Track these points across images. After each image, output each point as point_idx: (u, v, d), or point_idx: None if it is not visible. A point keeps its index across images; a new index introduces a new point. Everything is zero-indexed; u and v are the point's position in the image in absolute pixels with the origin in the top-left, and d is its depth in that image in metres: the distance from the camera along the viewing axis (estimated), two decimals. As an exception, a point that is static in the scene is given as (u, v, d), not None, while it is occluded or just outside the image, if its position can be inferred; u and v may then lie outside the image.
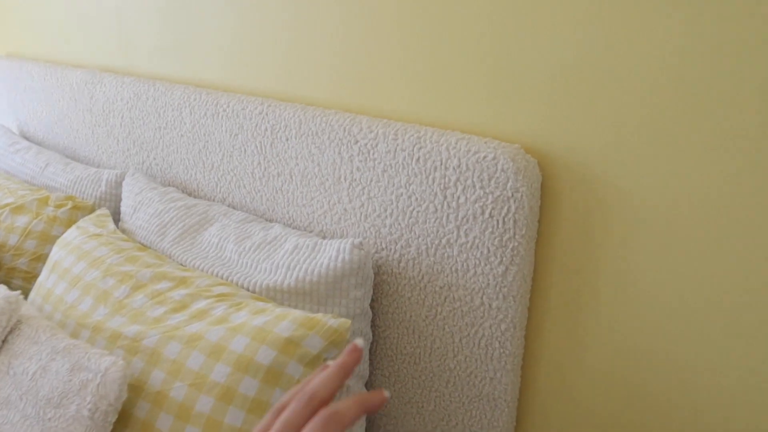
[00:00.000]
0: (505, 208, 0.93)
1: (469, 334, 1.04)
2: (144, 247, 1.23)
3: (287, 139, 1.19)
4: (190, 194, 1.44)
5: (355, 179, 1.10)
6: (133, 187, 1.42)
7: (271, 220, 1.28)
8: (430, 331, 1.08)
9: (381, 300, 1.13)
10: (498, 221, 0.94)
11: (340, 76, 1.15)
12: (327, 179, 1.14)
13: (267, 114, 1.22)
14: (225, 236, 1.20)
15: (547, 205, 0.96)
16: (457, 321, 1.05)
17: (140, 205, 1.35)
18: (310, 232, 1.20)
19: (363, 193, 1.10)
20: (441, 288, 1.04)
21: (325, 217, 1.17)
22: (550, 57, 0.88)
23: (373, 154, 1.06)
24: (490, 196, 0.93)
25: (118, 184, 1.52)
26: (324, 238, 1.18)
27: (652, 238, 0.86)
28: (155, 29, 1.52)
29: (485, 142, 0.94)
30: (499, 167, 0.91)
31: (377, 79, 1.10)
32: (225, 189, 1.36)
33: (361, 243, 1.04)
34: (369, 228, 1.10)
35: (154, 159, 1.51)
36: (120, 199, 1.52)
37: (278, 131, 1.20)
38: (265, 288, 1.07)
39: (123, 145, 1.59)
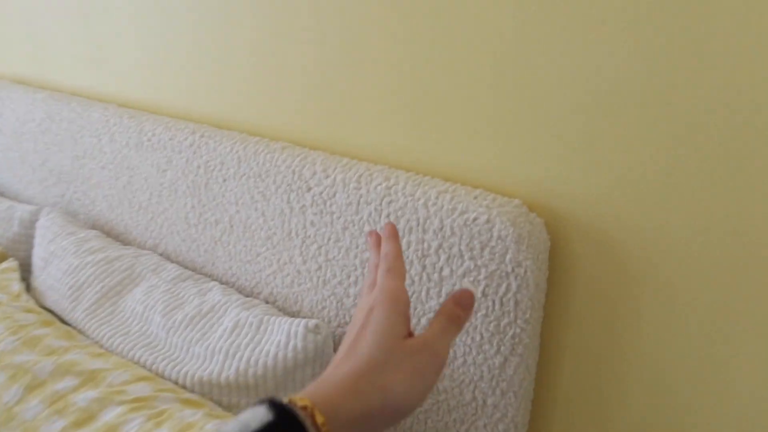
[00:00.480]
0: (504, 285, 0.70)
1: (458, 431, 0.82)
2: (50, 321, 0.98)
3: (224, 180, 0.95)
4: (117, 238, 1.19)
5: (309, 236, 0.86)
6: (46, 232, 1.16)
7: (210, 276, 1.04)
8: (409, 424, 0.86)
9: (348, 382, 0.90)
10: (494, 302, 0.71)
11: (292, 99, 0.91)
12: (274, 233, 0.91)
13: (199, 147, 0.97)
14: (151, 304, 0.96)
15: (556, 277, 0.73)
16: (442, 416, 0.82)
17: (52, 257, 1.10)
18: (258, 294, 0.97)
19: (319, 254, 0.86)
20: (422, 376, 0.82)
21: (274, 278, 0.94)
22: (562, 87, 0.65)
23: (330, 205, 0.82)
24: (483, 270, 0.70)
25: (33, 223, 1.27)
26: (274, 303, 0.95)
27: (689, 316, 0.64)
28: (69, 34, 1.25)
29: (476, 198, 0.71)
30: (495, 233, 0.68)
31: (338, 104, 0.86)
32: (156, 234, 1.11)
33: (317, 326, 0.81)
34: (329, 296, 0.87)
35: (74, 193, 1.25)
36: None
37: (213, 169, 0.95)
38: (197, 381, 0.84)
39: (39, 174, 1.33)
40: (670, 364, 0.68)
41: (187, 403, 0.79)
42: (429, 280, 0.75)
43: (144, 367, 0.89)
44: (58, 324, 0.98)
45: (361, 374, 0.43)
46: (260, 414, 0.38)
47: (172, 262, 1.09)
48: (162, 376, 0.87)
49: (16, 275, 1.12)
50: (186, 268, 1.08)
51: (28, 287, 1.13)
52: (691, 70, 0.57)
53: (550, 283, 0.73)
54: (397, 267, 0.52)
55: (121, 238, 1.19)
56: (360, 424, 0.41)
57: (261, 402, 0.39)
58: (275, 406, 0.38)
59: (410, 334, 0.48)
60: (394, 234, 0.57)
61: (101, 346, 0.94)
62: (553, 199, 0.70)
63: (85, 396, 0.80)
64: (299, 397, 0.40)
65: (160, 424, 0.75)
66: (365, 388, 0.42)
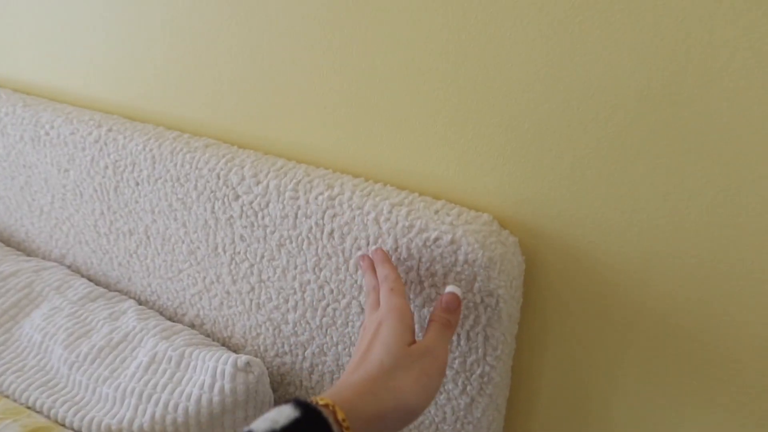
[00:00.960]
0: (471, 318, 0.58)
1: (417, 477, 0.70)
2: (-77, 354, 0.81)
3: (137, 184, 0.79)
4: (18, 247, 1.02)
5: (239, 252, 0.72)
6: (-72, 241, 0.98)
7: (127, 293, 0.89)
8: (361, 466, 0.75)
9: (289, 418, 0.77)
10: (459, 335, 0.60)
11: (217, 87, 0.76)
12: (198, 247, 0.76)
13: (106, 144, 0.81)
14: (52, 332, 0.80)
15: (531, 302, 0.62)
16: (399, 459, 0.71)
17: (-66, 272, 0.93)
18: (182, 316, 0.83)
19: (251, 273, 0.72)
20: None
21: (200, 298, 0.79)
22: (540, 81, 0.53)
23: (263, 218, 0.68)
24: (446, 300, 0.59)
25: None
26: (201, 326, 0.81)
27: (683, 350, 0.54)
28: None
29: (437, 212, 0.59)
30: (462, 257, 0.56)
31: (273, 94, 0.71)
32: (62, 244, 0.95)
33: (248, 363, 0.68)
34: (264, 322, 0.74)
35: (-34, 193, 1.07)
36: None
37: (124, 170, 0.80)
38: (105, 430, 0.69)
39: (-77, 170, 1.13)
40: (660, 404, 0.58)
41: (89, 462, 0.65)
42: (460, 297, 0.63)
43: (41, 413, 0.74)
44: (-63, 358, 0.81)
45: (375, 378, 0.47)
46: (287, 412, 0.41)
47: (83, 276, 0.93)
48: (62, 425, 0.72)
49: None
50: (98, 283, 0.92)
51: None
52: (688, 69, 0.45)
53: (524, 309, 0.62)
54: (398, 287, 0.55)
55: (22, 247, 1.02)
56: (376, 423, 0.44)
57: (285, 402, 0.42)
58: (300, 404, 0.41)
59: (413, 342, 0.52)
60: (386, 258, 0.59)
61: (-11, 386, 0.78)
62: (528, 214, 0.59)
63: (-39, 457, 0.65)
64: (320, 397, 0.43)
65: (53, 493, 0.61)
66: (379, 390, 0.46)
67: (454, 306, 0.54)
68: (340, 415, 0.42)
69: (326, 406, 0.42)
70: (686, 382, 0.56)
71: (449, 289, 0.55)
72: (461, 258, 0.56)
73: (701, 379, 0.55)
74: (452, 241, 0.56)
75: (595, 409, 0.62)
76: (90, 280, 0.93)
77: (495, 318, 0.58)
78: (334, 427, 0.41)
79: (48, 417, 0.73)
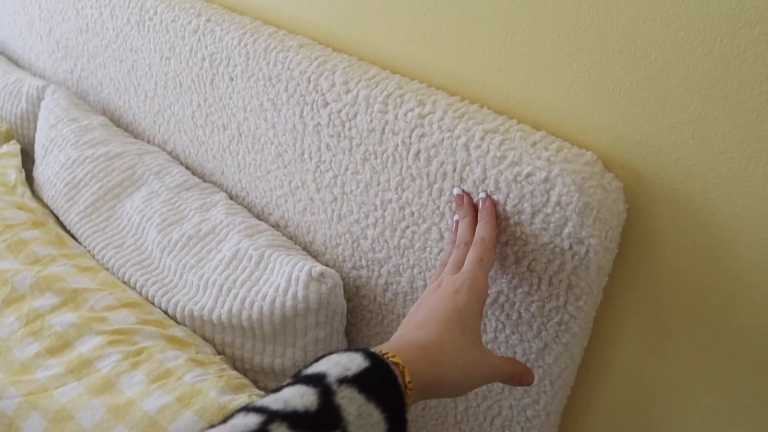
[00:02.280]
0: (556, 263, 0.54)
1: (478, 406, 0.70)
2: (41, 222, 0.88)
3: (231, 80, 0.78)
4: (126, 128, 1.07)
5: (324, 161, 0.71)
6: (49, 115, 1.04)
7: (220, 185, 0.91)
8: (434, 400, 0.75)
9: (360, 328, 0.79)
10: (540, 279, 0.56)
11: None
12: (286, 150, 0.75)
13: (204, 35, 0.80)
14: (149, 215, 0.84)
15: (627, 255, 0.56)
16: (463, 386, 0.70)
17: (53, 145, 0.99)
18: (269, 216, 0.84)
19: (335, 184, 0.71)
20: (443, 341, 0.69)
21: (285, 201, 0.80)
22: (676, 5, 0.44)
23: (350, 129, 0.65)
24: (531, 241, 0.54)
25: (41, 101, 1.15)
26: (285, 228, 0.82)
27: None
28: None
29: (534, 145, 0.53)
30: (554, 197, 0.51)
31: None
32: (164, 130, 0.98)
33: (323, 274, 0.68)
34: (344, 233, 0.73)
35: (82, 71, 1.12)
36: (45, 122, 1.16)
37: (219, 64, 0.79)
38: (188, 314, 0.74)
39: (47, 44, 1.18)
40: (758, 393, 0.52)
41: (171, 341, 0.70)
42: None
43: (134, 288, 0.79)
44: (50, 225, 0.89)
45: (444, 351, 0.46)
46: (358, 360, 0.41)
47: (181, 163, 0.96)
48: (151, 302, 0.77)
49: (16, 162, 1.02)
50: (194, 172, 0.95)
51: (30, 176, 1.03)
52: None
53: (618, 260, 0.57)
54: (489, 258, 0.52)
55: (129, 129, 1.06)
56: (430, 390, 0.44)
57: (355, 350, 0.42)
58: (370, 355, 0.41)
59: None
60: (492, 214, 0.54)
61: (92, 257, 0.85)
62: (639, 158, 0.51)
63: (64, 319, 0.72)
64: (390, 352, 0.43)
65: (137, 365, 0.66)
66: (445, 365, 0.45)
67: (527, 381, 0.52)
68: (407, 378, 0.42)
69: (397, 364, 0.42)
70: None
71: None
72: (553, 199, 0.51)
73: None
74: (546, 180, 0.51)
75: (679, 382, 0.57)
76: (187, 168, 0.96)
77: (582, 268, 0.53)
78: (401, 383, 0.41)
79: (140, 293, 0.79)
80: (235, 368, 0.74)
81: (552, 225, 0.52)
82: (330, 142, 0.68)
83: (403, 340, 0.47)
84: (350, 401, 0.38)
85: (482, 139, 0.55)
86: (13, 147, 1.05)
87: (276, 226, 0.83)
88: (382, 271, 0.71)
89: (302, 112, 0.70)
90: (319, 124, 0.69)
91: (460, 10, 0.58)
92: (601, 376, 0.64)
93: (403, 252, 0.67)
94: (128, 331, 0.70)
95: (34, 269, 0.78)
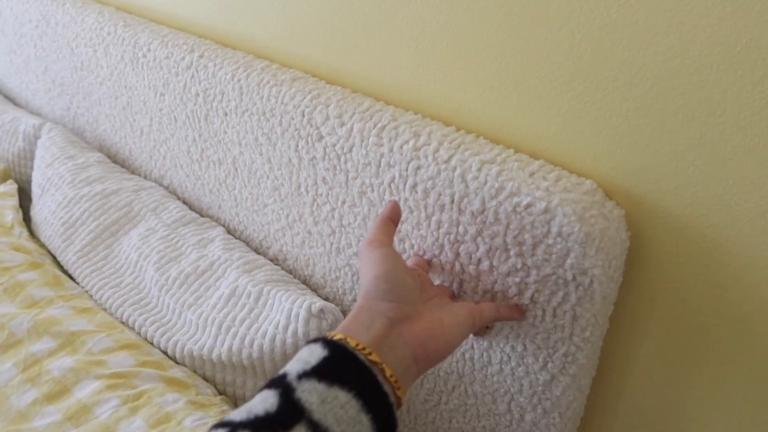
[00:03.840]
0: (560, 294, 0.53)
1: (487, 440, 0.68)
2: (38, 263, 0.87)
3: (225, 114, 0.78)
4: (123, 163, 1.06)
5: (321, 194, 0.70)
6: (45, 154, 1.04)
7: (218, 220, 0.90)
8: (431, 418, 0.74)
9: (363, 361, 0.77)
10: (544, 311, 0.55)
11: (312, 17, 0.71)
12: (282, 184, 0.75)
13: (197, 71, 0.79)
14: (147, 252, 0.83)
15: (632, 283, 0.55)
16: (469, 420, 0.69)
17: (49, 184, 0.99)
18: (267, 249, 0.83)
19: (332, 217, 0.70)
20: (447, 374, 0.68)
21: (283, 234, 0.79)
22: (670, 33, 0.43)
23: (345, 162, 0.65)
24: (533, 272, 0.53)
25: (38, 139, 1.15)
26: (284, 261, 0.81)
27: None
28: None
29: (532, 175, 0.53)
30: (555, 228, 0.50)
31: (368, 27, 0.66)
32: (161, 165, 0.97)
33: (322, 310, 0.67)
34: (343, 266, 0.72)
35: (78, 108, 1.12)
36: (41, 160, 1.15)
37: (213, 99, 0.79)
38: (188, 354, 0.73)
39: (42, 82, 1.19)
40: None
41: (171, 383, 0.69)
42: (463, 271, 0.59)
43: (132, 328, 0.78)
44: (47, 266, 0.88)
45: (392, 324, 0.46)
46: (317, 352, 0.41)
47: (178, 198, 0.96)
48: (150, 343, 0.76)
49: (13, 202, 1.01)
50: (192, 206, 0.94)
51: (27, 215, 1.03)
52: None
53: (623, 289, 0.55)
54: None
55: (126, 165, 1.06)
56: (422, 350, 0.45)
57: (316, 340, 0.42)
58: (329, 343, 0.42)
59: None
60: (507, 313, 0.55)
61: (90, 297, 0.84)
62: (640, 185, 0.51)
63: (61, 364, 0.70)
64: (363, 345, 0.43)
65: (136, 410, 0.65)
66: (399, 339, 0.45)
67: (514, 318, 0.55)
68: (388, 372, 0.42)
69: (357, 345, 0.42)
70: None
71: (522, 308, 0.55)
72: (554, 230, 0.50)
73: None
74: (546, 210, 0.50)
75: (690, 410, 0.56)
76: (185, 203, 0.95)
77: (587, 298, 0.52)
78: (364, 359, 0.42)
79: (138, 334, 0.78)
80: (237, 407, 0.72)
81: (554, 256, 0.51)
82: (326, 175, 0.68)
83: (361, 322, 0.45)
84: (310, 392, 0.39)
85: (479, 170, 0.54)
86: (11, 187, 1.05)
87: (275, 260, 0.83)
88: (383, 304, 0.69)
89: (297, 146, 0.69)
90: (314, 157, 0.68)
91: (452, 40, 0.58)
92: (611, 406, 0.62)
93: (404, 285, 0.66)
94: (127, 374, 0.69)
95: (31, 312, 0.77)
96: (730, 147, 0.44)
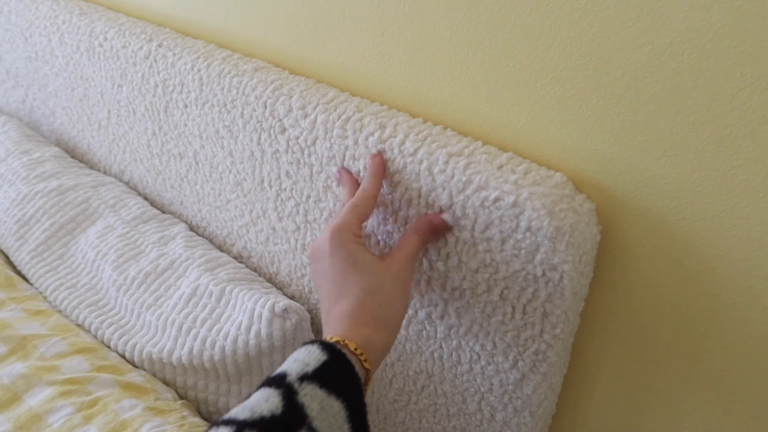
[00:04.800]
0: (529, 291, 0.51)
1: (458, 440, 0.67)
2: (-12, 263, 0.83)
3: (185, 106, 0.75)
4: (81, 158, 1.02)
5: (285, 189, 0.67)
6: (-2, 148, 0.99)
7: (180, 216, 0.87)
8: (401, 418, 0.72)
9: (331, 361, 0.75)
10: (514, 308, 0.53)
11: (276, 2, 0.68)
12: (245, 179, 0.72)
13: (156, 61, 0.76)
14: (105, 251, 0.80)
15: (603, 278, 0.54)
16: (439, 420, 0.67)
17: (2, 180, 0.94)
18: (231, 246, 0.80)
19: (297, 213, 0.67)
20: (417, 373, 0.66)
21: (247, 231, 0.76)
22: (640, 20, 0.42)
23: (309, 155, 0.62)
24: (502, 268, 0.51)
25: (-8, 133, 1.10)
26: (248, 259, 0.78)
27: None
28: None
29: (501, 168, 0.51)
30: (524, 223, 0.48)
31: (333, 15, 0.63)
32: (120, 160, 0.93)
33: (286, 310, 0.64)
34: (309, 264, 0.70)
35: (34, 100, 1.07)
36: (-5, 156, 1.10)
37: (172, 91, 0.75)
38: (146, 357, 0.69)
39: (-4, 74, 1.14)
40: (741, 421, 0.50)
41: (128, 388, 0.65)
42: (431, 268, 0.57)
43: (88, 331, 0.75)
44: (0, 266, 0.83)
45: (362, 302, 0.47)
46: (316, 354, 0.42)
47: (139, 194, 0.92)
48: (107, 346, 0.73)
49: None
50: (153, 202, 0.91)
51: (-21, 213, 0.98)
52: None
53: (594, 284, 0.54)
54: (365, 207, 0.52)
55: (84, 159, 1.01)
56: (384, 345, 0.46)
57: (313, 342, 0.43)
58: (327, 346, 0.42)
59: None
60: (379, 170, 0.54)
61: (45, 299, 0.80)
62: (610, 177, 0.49)
63: (11, 370, 0.67)
64: (342, 339, 0.43)
65: (90, 418, 0.61)
66: (373, 311, 0.46)
67: (440, 231, 0.53)
68: (363, 357, 0.43)
69: (354, 351, 0.43)
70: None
71: (445, 216, 0.52)
72: (523, 224, 0.48)
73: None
74: (515, 204, 0.48)
75: (661, 404, 0.54)
76: (146, 198, 0.91)
77: (557, 294, 0.50)
78: (359, 372, 0.43)
79: (95, 337, 0.74)
80: (199, 412, 0.69)
81: (523, 251, 0.49)
82: (290, 169, 0.65)
83: (340, 324, 0.46)
84: (312, 398, 0.40)
85: (446, 163, 0.52)
86: (-40, 184, 0.99)
87: (239, 258, 0.80)
88: (350, 303, 0.67)
89: (260, 138, 0.67)
90: (277, 150, 0.65)
91: (418, 28, 0.55)
92: (582, 404, 0.61)
93: (371, 282, 0.63)
94: (81, 380, 0.65)
95: (-20, 315, 0.73)
96: (701, 137, 0.43)
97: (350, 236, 0.49)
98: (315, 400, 0.39)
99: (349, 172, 0.58)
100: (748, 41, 0.38)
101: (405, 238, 0.52)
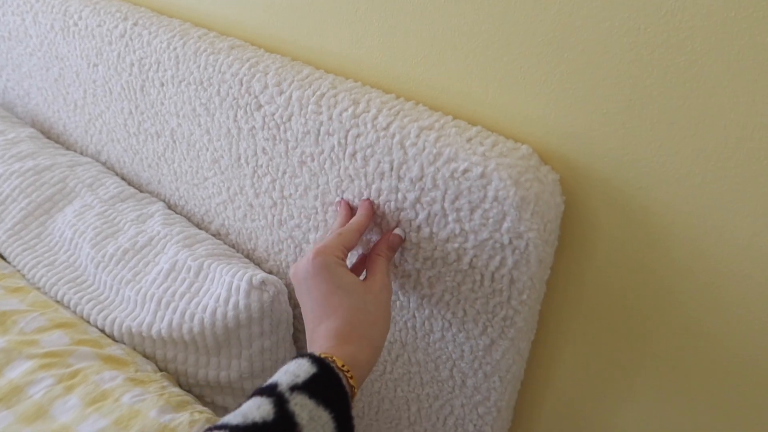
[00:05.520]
0: (497, 259, 0.53)
1: (430, 407, 0.69)
2: (-37, 242, 0.83)
3: (162, 85, 0.75)
4: (57, 139, 1.02)
5: (261, 165, 0.69)
6: (-28, 129, 0.99)
7: (157, 195, 0.88)
8: (376, 388, 0.74)
9: (309, 334, 0.77)
10: (483, 276, 0.55)
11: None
12: (222, 156, 0.73)
13: (132, 39, 0.76)
14: (82, 230, 0.80)
15: (567, 246, 0.56)
16: (413, 387, 0.70)
17: (-24, 160, 0.94)
18: (209, 224, 0.81)
19: (273, 188, 0.69)
20: (391, 343, 0.68)
21: (225, 208, 0.77)
22: (604, -9, 0.44)
23: (285, 131, 0.64)
24: (471, 237, 0.54)
25: (-35, 115, 1.09)
26: (226, 236, 0.79)
27: (743, 307, 0.48)
28: None
29: (470, 140, 0.53)
30: (491, 193, 0.50)
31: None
32: (97, 140, 0.94)
33: (264, 282, 0.66)
34: (286, 238, 0.71)
35: (8, 80, 1.06)
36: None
37: (148, 69, 0.76)
38: (126, 331, 0.71)
39: (-32, 54, 1.12)
40: (692, 383, 0.53)
41: (108, 360, 0.67)
42: (405, 241, 0.59)
43: (68, 307, 0.75)
44: (-24, 246, 0.84)
45: (347, 321, 0.49)
46: (306, 366, 0.43)
47: (117, 174, 0.93)
48: (86, 321, 0.74)
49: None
50: (131, 182, 0.91)
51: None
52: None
53: (559, 252, 0.57)
54: (348, 236, 0.54)
55: (60, 140, 1.01)
56: (367, 362, 0.48)
57: (302, 355, 0.45)
58: (317, 360, 0.44)
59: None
60: (368, 211, 0.58)
61: (23, 277, 0.81)
62: (573, 149, 0.51)
63: (-9, 345, 0.67)
64: (330, 356, 0.45)
65: (71, 389, 0.63)
66: (356, 330, 0.49)
67: (397, 246, 0.57)
68: (350, 374, 0.45)
69: (341, 367, 0.45)
70: (724, 367, 0.50)
71: (397, 231, 0.57)
72: (491, 194, 0.50)
73: (744, 376, 0.49)
74: (482, 175, 0.50)
75: (622, 364, 0.57)
76: (123, 178, 0.92)
77: (523, 262, 0.52)
78: (345, 384, 0.44)
79: (74, 312, 0.75)
80: (179, 384, 0.71)
81: (491, 220, 0.52)
82: (266, 145, 0.66)
83: (327, 342, 0.48)
84: (302, 407, 0.41)
85: (418, 136, 0.54)
86: (-66, 164, 0.99)
87: (217, 235, 0.81)
88: (326, 276, 0.69)
89: (236, 115, 0.68)
90: (253, 127, 0.67)
91: (390, 7, 0.57)
92: (551, 369, 0.64)
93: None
94: (61, 353, 0.66)
95: (-42, 293, 0.73)
96: (657, 109, 0.45)
97: (333, 258, 0.51)
98: (305, 410, 0.41)
99: (348, 205, 0.60)
100: (698, 15, 0.41)
101: (374, 262, 0.55)
